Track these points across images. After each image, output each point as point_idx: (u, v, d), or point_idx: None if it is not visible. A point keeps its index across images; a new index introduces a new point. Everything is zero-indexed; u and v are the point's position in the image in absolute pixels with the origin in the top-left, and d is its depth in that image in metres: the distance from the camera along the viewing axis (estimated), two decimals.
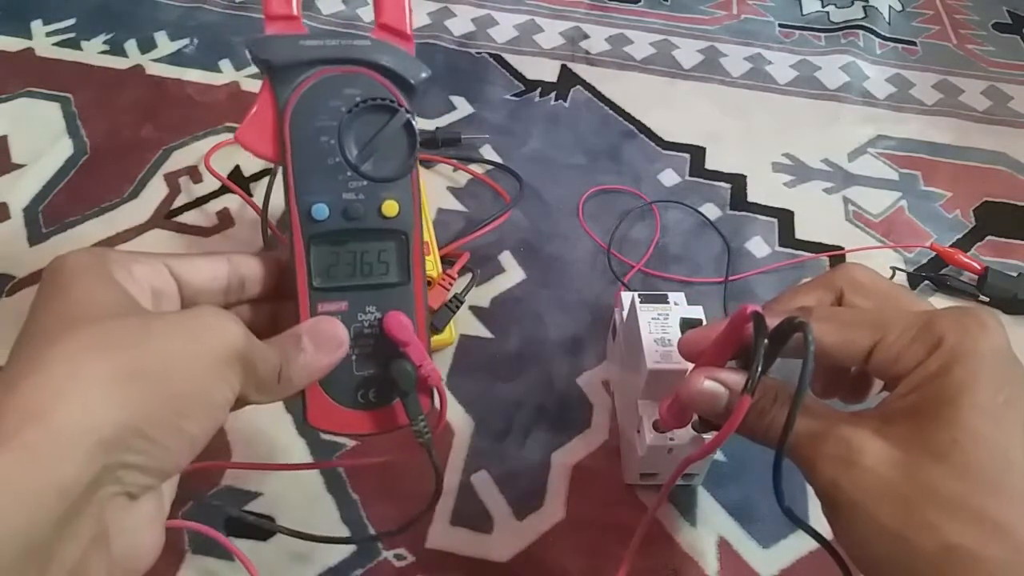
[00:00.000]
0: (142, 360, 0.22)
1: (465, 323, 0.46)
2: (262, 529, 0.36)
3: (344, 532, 0.37)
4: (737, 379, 0.27)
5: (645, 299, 0.37)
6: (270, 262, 0.30)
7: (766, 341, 0.25)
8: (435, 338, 0.42)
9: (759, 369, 0.24)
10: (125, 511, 0.22)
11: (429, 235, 0.45)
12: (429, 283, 0.43)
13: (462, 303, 0.44)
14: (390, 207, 0.30)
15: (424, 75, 0.31)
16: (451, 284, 0.43)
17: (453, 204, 0.53)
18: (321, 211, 0.30)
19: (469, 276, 0.47)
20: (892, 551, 0.23)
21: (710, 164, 0.57)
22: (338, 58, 0.30)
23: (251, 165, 0.55)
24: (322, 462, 0.37)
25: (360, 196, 0.30)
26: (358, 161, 0.30)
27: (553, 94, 0.63)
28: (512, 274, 0.49)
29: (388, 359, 0.30)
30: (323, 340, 0.28)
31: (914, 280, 0.50)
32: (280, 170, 0.31)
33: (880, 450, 0.24)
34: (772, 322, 0.25)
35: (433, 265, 0.43)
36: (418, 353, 0.30)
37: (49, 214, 0.51)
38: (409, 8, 0.31)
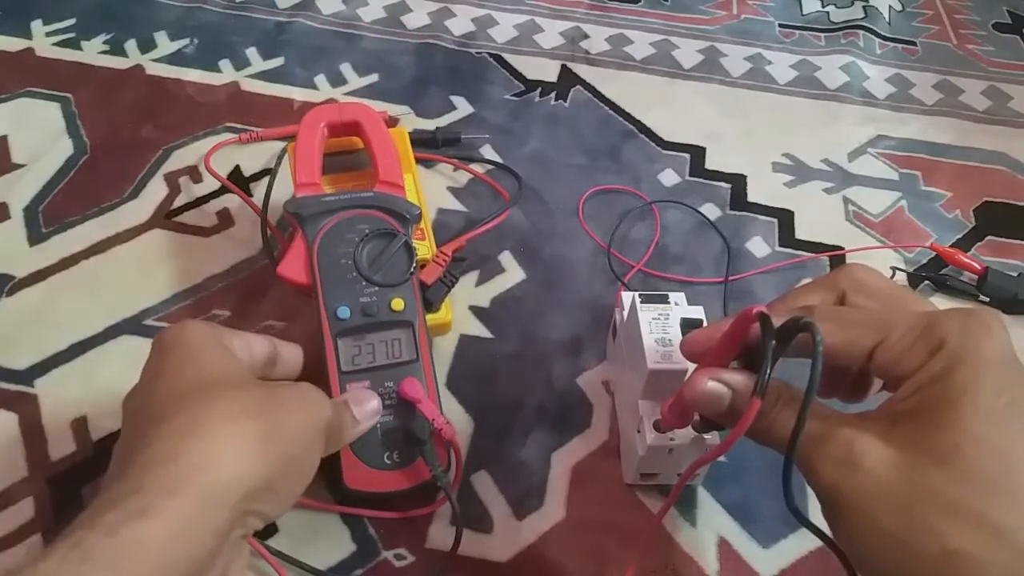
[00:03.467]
0: (273, 427, 0.27)
1: (465, 323, 0.46)
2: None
3: (346, 533, 0.37)
4: (740, 380, 0.27)
5: (645, 299, 0.37)
6: (302, 349, 0.37)
7: (774, 342, 0.24)
8: (432, 319, 0.42)
9: (769, 371, 0.24)
10: (240, 551, 0.27)
11: (425, 223, 0.45)
12: (423, 265, 0.43)
13: (457, 279, 0.44)
14: (397, 303, 0.38)
15: (416, 212, 0.41)
16: (445, 261, 0.44)
17: (453, 204, 0.53)
18: (344, 312, 0.38)
19: (464, 266, 0.47)
20: (893, 555, 0.23)
21: (710, 164, 0.57)
22: (350, 205, 0.40)
23: (251, 165, 0.55)
24: (349, 508, 0.38)
25: (373, 298, 0.38)
26: (369, 273, 0.39)
27: (553, 94, 0.63)
28: (512, 274, 0.49)
29: (407, 421, 0.36)
30: (362, 403, 0.34)
31: (914, 280, 0.50)
32: (295, 232, 0.40)
33: (881, 453, 0.24)
34: (776, 322, 0.25)
35: (428, 249, 0.44)
36: (430, 410, 0.36)
37: (49, 214, 0.51)
38: (400, 168, 0.43)
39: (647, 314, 0.37)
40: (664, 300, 0.37)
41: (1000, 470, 0.22)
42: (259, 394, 0.28)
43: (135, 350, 0.44)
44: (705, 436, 0.34)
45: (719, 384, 0.27)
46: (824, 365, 0.25)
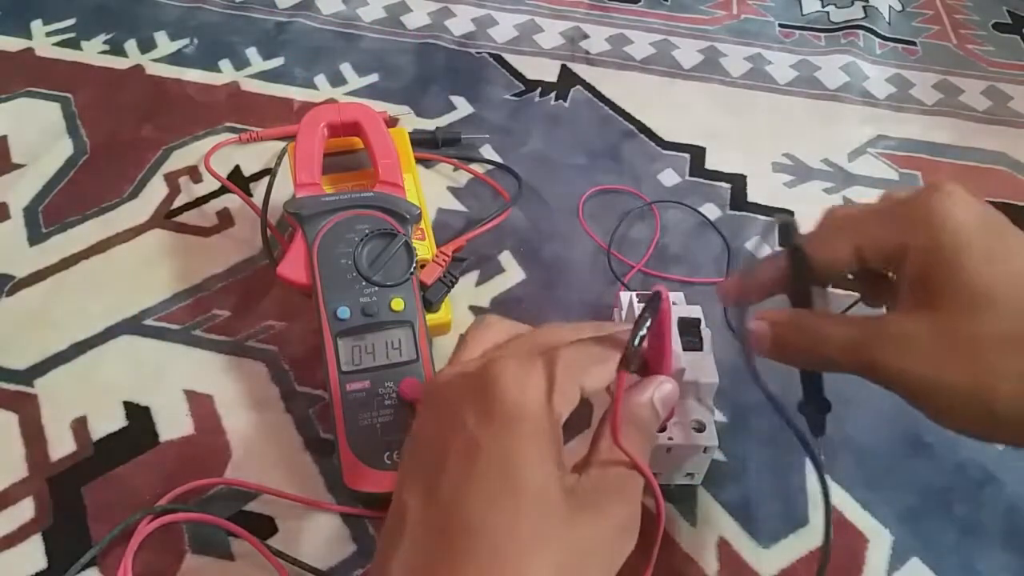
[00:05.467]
0: (570, 555, 0.23)
1: (465, 323, 0.46)
2: (262, 527, 0.37)
3: (346, 532, 0.37)
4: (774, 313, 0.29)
5: (644, 299, 0.37)
6: None
7: (648, 322, 0.25)
8: (432, 320, 0.42)
9: (635, 344, 0.25)
10: None
11: (425, 223, 0.45)
12: (423, 265, 0.43)
13: (457, 279, 0.44)
14: (397, 303, 0.39)
15: (416, 212, 0.41)
16: (445, 261, 0.44)
17: (453, 204, 0.53)
18: (344, 312, 0.38)
19: (464, 266, 0.47)
20: (977, 411, 0.25)
21: (710, 164, 0.57)
22: (350, 205, 0.40)
23: (251, 165, 0.55)
24: (348, 507, 0.38)
25: (373, 298, 0.38)
26: (369, 273, 0.39)
27: (553, 94, 0.63)
28: (512, 274, 0.49)
29: (407, 421, 0.36)
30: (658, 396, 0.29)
31: None
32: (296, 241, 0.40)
33: (924, 330, 0.25)
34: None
35: (428, 249, 0.44)
36: None
37: (49, 214, 0.51)
38: (400, 168, 0.43)
39: None
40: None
41: (1016, 291, 0.24)
42: (559, 510, 0.23)
43: (135, 350, 0.44)
44: (699, 434, 0.35)
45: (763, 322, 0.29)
46: (829, 279, 0.30)
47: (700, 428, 0.35)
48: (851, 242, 0.28)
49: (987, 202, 0.27)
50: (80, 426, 0.40)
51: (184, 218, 0.51)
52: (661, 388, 0.28)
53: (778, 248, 0.31)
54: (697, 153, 0.58)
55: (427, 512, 0.23)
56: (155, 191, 0.53)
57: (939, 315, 0.25)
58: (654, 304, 0.25)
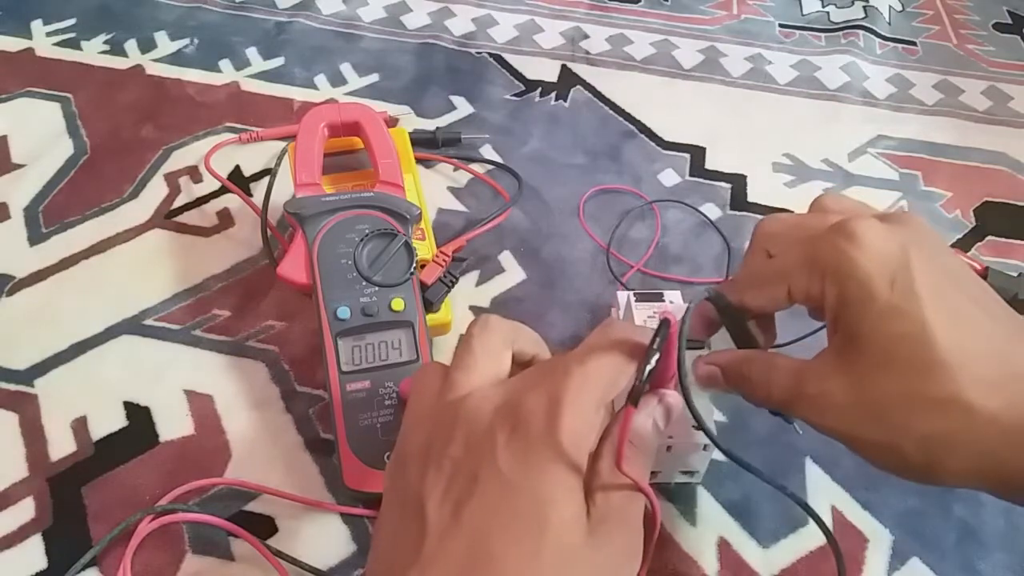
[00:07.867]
0: None
1: (465, 323, 0.46)
2: (262, 527, 0.37)
3: (346, 532, 0.37)
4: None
5: (640, 298, 0.37)
6: None
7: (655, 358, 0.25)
8: (432, 320, 0.42)
9: (644, 379, 0.24)
10: None
11: (425, 223, 0.45)
12: (423, 265, 0.43)
13: (457, 279, 0.44)
14: (397, 303, 0.39)
15: (416, 211, 0.41)
16: (445, 261, 0.44)
17: (453, 204, 0.53)
18: (344, 312, 0.38)
19: (464, 266, 0.47)
20: (894, 461, 0.26)
21: (710, 164, 0.57)
22: (351, 205, 0.40)
23: (251, 165, 0.55)
24: (348, 507, 0.37)
25: (373, 298, 0.38)
26: (370, 273, 0.39)
27: (553, 94, 0.63)
28: (512, 274, 0.49)
29: None
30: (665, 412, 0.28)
31: None
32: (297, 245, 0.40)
33: (838, 388, 0.27)
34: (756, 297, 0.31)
35: (428, 249, 0.44)
36: None
37: (49, 214, 0.51)
38: (400, 168, 0.43)
39: (642, 312, 0.37)
40: (659, 298, 0.37)
41: (924, 348, 0.25)
42: (577, 546, 0.23)
43: (135, 350, 0.44)
44: (698, 431, 0.35)
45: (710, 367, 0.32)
46: (768, 316, 0.32)
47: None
48: (784, 288, 0.29)
49: (907, 229, 0.27)
50: (80, 426, 0.40)
51: (184, 218, 0.51)
52: (663, 402, 0.27)
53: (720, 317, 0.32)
54: (697, 153, 0.58)
55: (449, 536, 0.23)
56: (155, 191, 0.53)
57: (850, 371, 0.26)
58: (662, 333, 0.25)
